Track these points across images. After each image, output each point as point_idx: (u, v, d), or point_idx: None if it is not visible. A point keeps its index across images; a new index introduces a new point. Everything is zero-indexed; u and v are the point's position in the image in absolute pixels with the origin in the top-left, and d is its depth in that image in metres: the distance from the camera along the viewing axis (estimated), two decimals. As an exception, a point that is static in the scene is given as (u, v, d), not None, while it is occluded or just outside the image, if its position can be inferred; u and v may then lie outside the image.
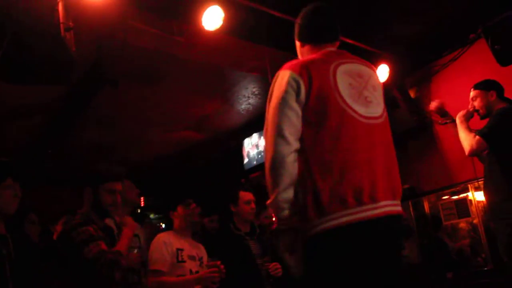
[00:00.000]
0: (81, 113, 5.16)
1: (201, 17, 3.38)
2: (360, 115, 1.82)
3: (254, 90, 5.47)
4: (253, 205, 3.59)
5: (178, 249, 3.10)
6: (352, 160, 1.74)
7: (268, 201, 1.78)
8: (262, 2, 3.65)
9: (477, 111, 3.31)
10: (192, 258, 3.18)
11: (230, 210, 3.63)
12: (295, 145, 1.76)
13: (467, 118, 3.30)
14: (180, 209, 3.27)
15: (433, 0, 4.18)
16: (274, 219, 1.79)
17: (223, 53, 4.08)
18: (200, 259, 3.27)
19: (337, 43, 2.11)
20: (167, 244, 3.07)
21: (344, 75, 1.88)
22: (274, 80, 1.90)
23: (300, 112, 1.79)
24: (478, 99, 3.29)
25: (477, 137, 3.10)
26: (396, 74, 4.87)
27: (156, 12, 3.29)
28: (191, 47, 3.77)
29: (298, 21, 2.13)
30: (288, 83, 1.80)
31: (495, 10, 4.16)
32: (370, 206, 1.71)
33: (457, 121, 3.31)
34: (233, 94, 5.54)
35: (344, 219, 1.68)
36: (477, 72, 4.61)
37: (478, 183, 4.57)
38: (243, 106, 5.95)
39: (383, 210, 1.74)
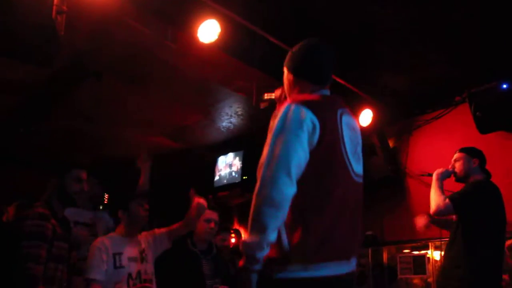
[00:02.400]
0: (60, 100, 5.06)
1: (197, 28, 3.37)
2: (354, 172, 1.83)
3: (237, 110, 5.46)
4: (212, 225, 3.48)
5: (115, 254, 2.96)
6: (342, 216, 1.74)
7: (248, 239, 1.63)
8: (261, 26, 3.68)
9: (455, 173, 3.35)
10: (133, 259, 3.04)
11: None
12: (296, 187, 1.66)
13: (444, 177, 3.34)
14: (132, 207, 3.10)
15: (426, 58, 4.28)
16: (245, 257, 1.67)
17: (213, 68, 4.07)
18: (142, 252, 3.13)
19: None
20: (102, 250, 2.92)
21: (346, 128, 1.85)
22: (285, 112, 1.76)
23: (308, 155, 1.71)
24: (461, 162, 3.34)
25: (447, 200, 3.13)
26: (378, 121, 4.92)
27: (154, 14, 3.26)
28: (182, 56, 3.74)
29: (297, 54, 2.02)
30: (305, 122, 1.71)
31: (483, 78, 4.28)
32: (346, 262, 1.74)
33: (434, 177, 3.35)
34: (216, 110, 5.52)
35: (326, 272, 1.67)
36: (456, 133, 4.71)
37: (439, 243, 4.61)
38: (224, 124, 5.93)
39: (352, 267, 1.79)
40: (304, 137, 1.70)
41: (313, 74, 1.98)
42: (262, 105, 2.34)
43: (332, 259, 1.69)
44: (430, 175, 3.43)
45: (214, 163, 6.82)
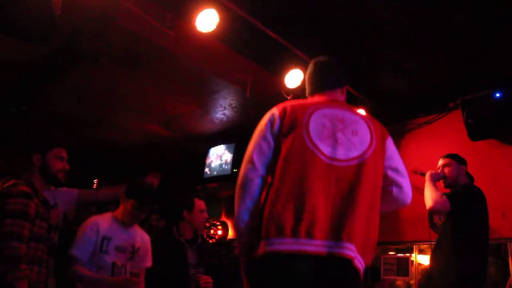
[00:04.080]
0: (54, 80, 5.02)
1: (196, 16, 3.35)
2: (324, 154, 1.87)
3: (232, 102, 5.44)
4: (206, 215, 3.57)
5: (104, 238, 2.95)
6: (299, 193, 1.78)
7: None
8: (260, 19, 3.66)
9: (446, 177, 3.39)
10: (121, 250, 3.03)
11: (180, 214, 3.56)
12: (262, 170, 1.89)
13: (436, 178, 3.38)
14: (134, 201, 3.11)
15: (422, 62, 4.28)
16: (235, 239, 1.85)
17: (209, 58, 4.05)
18: (134, 249, 3.13)
19: (337, 91, 2.20)
20: (93, 230, 2.92)
21: (321, 116, 1.97)
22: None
23: (272, 144, 1.94)
24: (451, 168, 3.40)
25: (444, 197, 3.17)
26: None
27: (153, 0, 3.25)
28: (180, 44, 3.72)
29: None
30: (268, 118, 1.99)
31: (477, 86, 4.30)
32: (304, 241, 1.71)
33: (427, 177, 3.38)
34: (211, 101, 5.50)
35: (276, 247, 1.71)
36: (448, 139, 4.73)
37: (424, 246, 4.66)
38: (217, 115, 5.91)
39: (320, 249, 1.71)
40: (266, 129, 1.97)
41: (309, 88, 2.25)
42: None
43: (284, 234, 1.72)
44: (423, 174, 3.46)
45: (205, 154, 6.80)
